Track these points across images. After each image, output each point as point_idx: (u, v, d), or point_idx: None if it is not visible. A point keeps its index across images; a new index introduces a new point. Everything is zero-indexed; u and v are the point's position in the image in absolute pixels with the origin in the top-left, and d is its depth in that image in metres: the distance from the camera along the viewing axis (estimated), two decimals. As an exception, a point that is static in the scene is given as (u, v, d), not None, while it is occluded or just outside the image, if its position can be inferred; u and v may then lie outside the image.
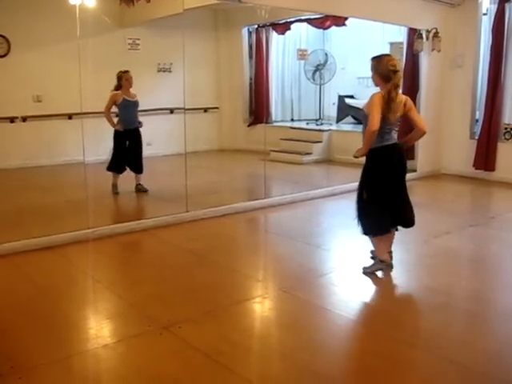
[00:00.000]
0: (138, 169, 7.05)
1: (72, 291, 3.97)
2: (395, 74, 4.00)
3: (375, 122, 3.92)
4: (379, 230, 4.22)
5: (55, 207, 6.32)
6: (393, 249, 4.46)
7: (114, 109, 6.85)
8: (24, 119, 8.60)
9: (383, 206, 4.18)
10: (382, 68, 4.02)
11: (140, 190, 7.07)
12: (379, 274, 4.25)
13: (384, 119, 3.99)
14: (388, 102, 3.99)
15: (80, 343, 3.15)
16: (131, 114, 6.85)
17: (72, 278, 4.25)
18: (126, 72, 6.78)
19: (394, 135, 4.26)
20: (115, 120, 6.84)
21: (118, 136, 6.85)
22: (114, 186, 6.98)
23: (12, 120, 8.51)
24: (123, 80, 6.73)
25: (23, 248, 4.72)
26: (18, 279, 4.20)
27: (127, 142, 6.94)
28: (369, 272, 4.27)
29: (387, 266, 4.28)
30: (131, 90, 6.81)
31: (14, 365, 2.88)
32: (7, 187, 7.40)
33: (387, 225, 4.22)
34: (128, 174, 7.04)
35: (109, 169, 6.93)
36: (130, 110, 6.83)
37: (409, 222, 4.34)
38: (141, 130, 7.00)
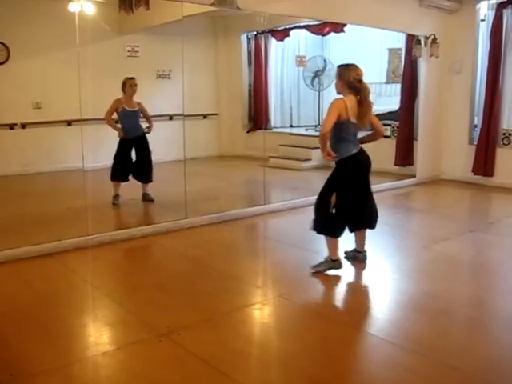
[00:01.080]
0: (146, 178, 6.88)
1: (72, 298, 3.97)
2: (360, 84, 4.10)
3: (328, 125, 4.01)
4: (331, 232, 4.29)
5: (55, 214, 6.32)
6: (392, 254, 4.47)
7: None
8: (23, 126, 8.62)
9: (345, 214, 4.26)
10: (348, 76, 4.10)
11: (146, 199, 6.91)
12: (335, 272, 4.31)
13: (349, 126, 4.09)
14: (360, 111, 4.11)
15: (79, 350, 3.15)
16: (131, 123, 6.68)
17: (72, 284, 4.24)
18: (132, 79, 6.62)
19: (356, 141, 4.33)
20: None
21: (123, 143, 6.69)
22: (116, 196, 6.77)
23: (11, 127, 8.52)
24: (127, 86, 6.57)
25: (23, 255, 4.71)
26: (18, 286, 4.19)
27: (133, 150, 6.77)
28: (320, 271, 4.32)
29: (339, 266, 4.33)
30: (135, 97, 6.64)
31: (13, 372, 2.87)
32: (7, 194, 7.40)
33: (340, 231, 4.30)
34: (130, 182, 6.91)
35: (113, 178, 6.72)
36: (130, 119, 6.66)
37: (370, 225, 4.47)
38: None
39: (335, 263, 4.32)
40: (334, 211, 4.25)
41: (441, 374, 2.88)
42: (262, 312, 3.76)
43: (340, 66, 4.24)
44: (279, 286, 4.17)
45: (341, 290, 4.16)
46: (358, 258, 4.56)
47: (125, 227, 5.60)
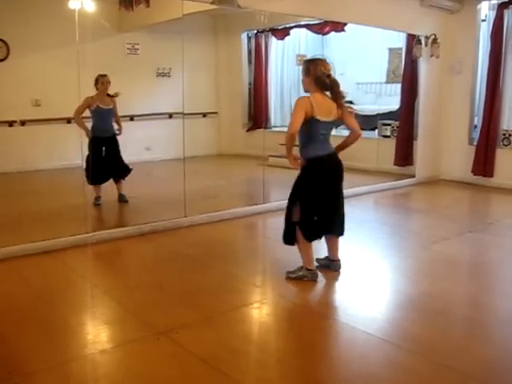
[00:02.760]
0: (119, 173, 6.68)
1: (70, 296, 3.96)
2: (329, 79, 3.94)
3: (295, 124, 3.89)
4: (308, 236, 4.10)
5: (53, 211, 6.31)
6: (391, 254, 4.46)
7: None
8: (23, 123, 8.59)
9: (313, 216, 4.10)
10: (316, 71, 3.92)
11: (122, 200, 6.74)
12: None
13: (315, 124, 3.94)
14: (340, 111, 4.00)
15: (77, 348, 3.14)
16: (104, 121, 6.47)
17: (70, 282, 4.23)
18: (104, 76, 6.45)
19: (330, 144, 4.17)
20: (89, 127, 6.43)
21: (93, 144, 6.40)
22: (97, 198, 6.61)
23: (11, 124, 8.49)
24: (99, 84, 6.40)
25: (21, 252, 4.70)
26: (16, 284, 4.18)
27: (104, 150, 6.55)
28: (293, 278, 4.17)
29: (313, 275, 4.16)
30: (108, 95, 6.48)
31: (10, 370, 2.86)
32: (6, 191, 7.39)
33: (314, 234, 4.14)
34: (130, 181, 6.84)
35: (92, 182, 6.48)
36: (103, 117, 6.46)
37: (336, 233, 4.30)
38: (118, 137, 6.63)
39: (310, 273, 4.15)
40: (296, 220, 4.09)
41: (439, 374, 2.87)
42: (260, 311, 3.75)
43: (307, 61, 4.03)
44: (278, 286, 4.16)
45: (339, 290, 4.15)
46: (331, 266, 4.37)
47: (123, 225, 5.59)
